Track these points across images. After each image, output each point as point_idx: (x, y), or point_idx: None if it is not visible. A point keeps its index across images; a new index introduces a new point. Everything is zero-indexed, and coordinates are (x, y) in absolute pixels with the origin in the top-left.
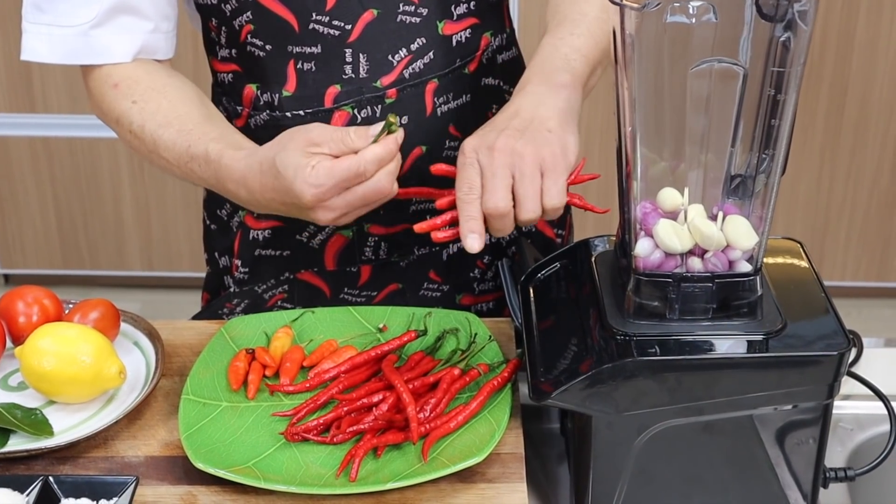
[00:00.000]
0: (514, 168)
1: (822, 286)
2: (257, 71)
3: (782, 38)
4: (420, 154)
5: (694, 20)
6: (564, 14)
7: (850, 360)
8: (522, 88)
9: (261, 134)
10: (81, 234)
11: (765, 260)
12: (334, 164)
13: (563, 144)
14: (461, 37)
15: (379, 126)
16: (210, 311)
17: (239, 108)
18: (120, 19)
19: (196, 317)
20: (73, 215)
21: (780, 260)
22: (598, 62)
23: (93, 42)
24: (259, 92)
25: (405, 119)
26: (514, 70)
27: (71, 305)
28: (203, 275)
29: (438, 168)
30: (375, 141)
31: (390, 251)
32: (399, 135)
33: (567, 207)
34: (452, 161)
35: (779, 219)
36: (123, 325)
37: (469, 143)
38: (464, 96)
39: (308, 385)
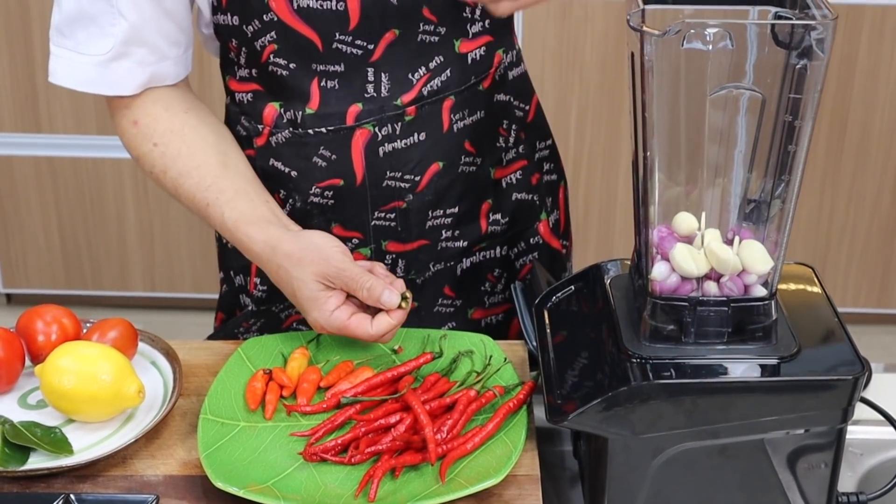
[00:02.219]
0: None
1: (835, 311)
2: (280, 90)
3: (798, 66)
4: (437, 170)
5: (711, 47)
6: None
7: None
8: None
9: (283, 151)
10: (85, 254)
11: (778, 285)
12: (348, 325)
13: None
14: (476, 54)
15: (395, 297)
16: (226, 331)
17: (260, 126)
18: (132, 52)
19: (212, 336)
20: (76, 235)
21: (792, 285)
22: None
23: (107, 74)
24: (282, 110)
25: (424, 135)
26: (523, 86)
27: (89, 324)
28: (205, 296)
29: None
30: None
31: (407, 268)
32: (409, 306)
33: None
34: (468, 177)
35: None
36: (141, 345)
37: None
38: (478, 112)
39: (325, 406)
